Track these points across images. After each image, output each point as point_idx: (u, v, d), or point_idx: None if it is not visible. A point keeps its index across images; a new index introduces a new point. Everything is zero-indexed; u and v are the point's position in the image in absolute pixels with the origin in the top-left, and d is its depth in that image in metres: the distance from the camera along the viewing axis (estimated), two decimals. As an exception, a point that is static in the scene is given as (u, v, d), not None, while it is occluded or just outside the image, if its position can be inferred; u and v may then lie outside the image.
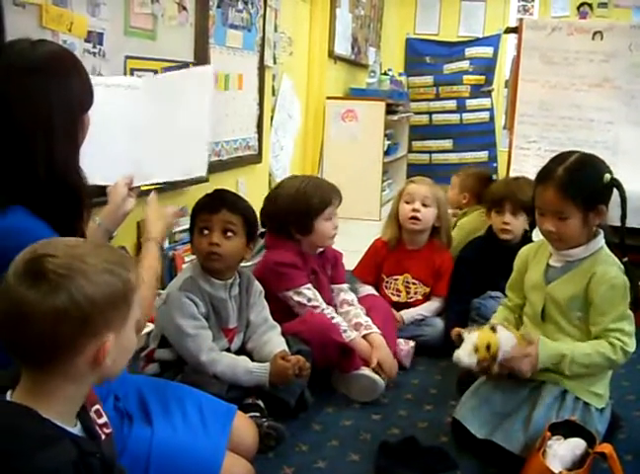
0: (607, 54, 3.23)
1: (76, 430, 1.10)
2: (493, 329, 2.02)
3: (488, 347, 1.98)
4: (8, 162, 1.43)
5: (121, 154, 1.98)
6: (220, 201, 2.18)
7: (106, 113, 1.76)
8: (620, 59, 3.22)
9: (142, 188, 2.03)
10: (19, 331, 1.03)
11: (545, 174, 2.03)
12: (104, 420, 1.20)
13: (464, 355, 2.00)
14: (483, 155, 7.38)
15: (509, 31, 4.00)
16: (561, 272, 2.09)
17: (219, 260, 2.15)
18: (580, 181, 1.98)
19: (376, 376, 2.44)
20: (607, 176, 1.99)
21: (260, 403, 2.11)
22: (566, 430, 1.89)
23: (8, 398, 1.07)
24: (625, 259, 2.06)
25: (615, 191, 2.02)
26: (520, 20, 3.57)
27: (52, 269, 1.03)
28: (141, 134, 2.06)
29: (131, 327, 1.14)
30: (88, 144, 1.60)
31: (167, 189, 2.47)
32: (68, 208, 1.48)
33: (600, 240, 2.07)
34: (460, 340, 2.07)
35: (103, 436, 1.17)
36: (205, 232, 2.16)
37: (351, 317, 2.64)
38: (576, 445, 1.83)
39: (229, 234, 2.15)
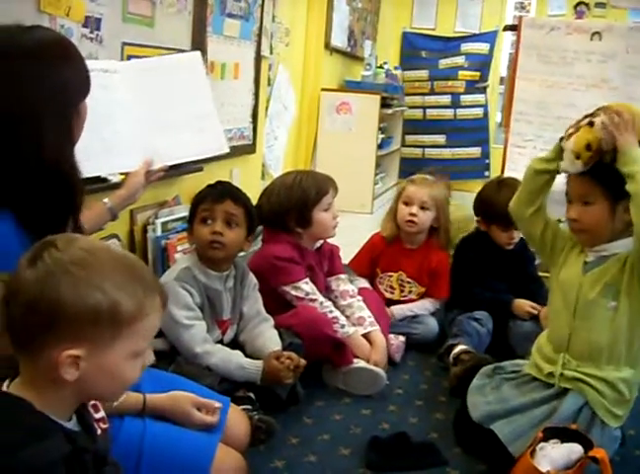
0: (605, 55, 3.23)
1: (71, 424, 1.09)
2: (591, 124, 1.92)
3: (588, 146, 1.91)
4: None
5: (130, 140, 1.97)
6: (224, 192, 2.20)
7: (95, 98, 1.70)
8: (618, 60, 3.22)
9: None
10: (10, 305, 1.03)
11: None
12: (101, 414, 1.19)
13: (567, 164, 1.96)
14: (476, 151, 7.37)
15: (507, 28, 4.01)
16: (596, 264, 2.06)
17: (221, 249, 2.17)
18: (610, 165, 1.93)
19: (378, 369, 2.46)
20: None
21: (251, 395, 2.12)
22: (564, 435, 1.88)
23: (4, 388, 1.06)
24: None
25: None
26: (520, 18, 3.57)
27: (48, 260, 1.02)
28: (145, 118, 2.05)
29: (124, 354, 1.07)
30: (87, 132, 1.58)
31: (161, 177, 2.48)
32: (61, 201, 1.43)
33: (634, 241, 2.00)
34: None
35: (99, 431, 1.16)
36: (209, 222, 2.17)
37: (354, 310, 2.65)
38: (572, 450, 1.83)
39: (232, 224, 2.18)
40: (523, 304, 2.87)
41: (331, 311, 2.53)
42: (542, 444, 1.87)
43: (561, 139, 2.02)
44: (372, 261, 3.12)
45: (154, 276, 1.14)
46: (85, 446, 1.07)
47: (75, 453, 1.04)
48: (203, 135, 2.25)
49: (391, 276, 3.09)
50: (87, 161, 1.57)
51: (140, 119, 1.99)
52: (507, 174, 3.30)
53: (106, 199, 1.95)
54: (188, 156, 2.24)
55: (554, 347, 2.11)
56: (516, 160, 3.26)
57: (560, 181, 2.11)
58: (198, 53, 2.51)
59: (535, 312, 2.83)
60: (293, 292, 2.52)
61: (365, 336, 2.58)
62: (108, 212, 1.95)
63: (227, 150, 2.32)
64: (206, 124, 2.27)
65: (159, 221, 2.92)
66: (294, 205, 2.57)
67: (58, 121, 1.43)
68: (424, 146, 7.49)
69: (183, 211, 3.07)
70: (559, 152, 2.05)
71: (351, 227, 4.00)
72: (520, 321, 2.86)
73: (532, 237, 2.21)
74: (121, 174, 2.15)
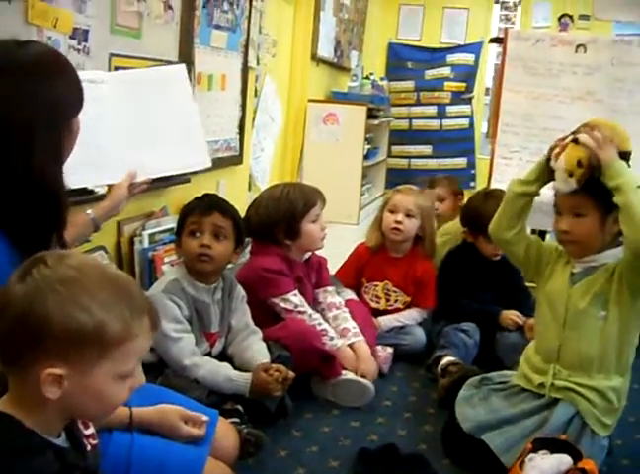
0: (590, 67, 3.26)
1: (60, 441, 1.08)
2: (575, 141, 1.94)
3: (579, 163, 1.92)
4: None
5: (114, 152, 1.96)
6: (212, 205, 2.21)
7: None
8: (603, 73, 3.25)
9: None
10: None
11: None
12: (91, 430, 1.18)
13: (561, 184, 1.97)
14: (462, 162, 7.41)
15: (493, 41, 4.04)
16: (583, 274, 2.07)
17: (210, 261, 2.17)
18: (599, 179, 1.95)
19: (366, 381, 2.46)
20: None
21: (239, 408, 2.11)
22: (553, 446, 1.89)
23: None
24: None
25: None
26: (505, 30, 3.60)
27: (37, 276, 1.02)
28: (129, 130, 2.05)
29: (110, 375, 1.05)
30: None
31: (148, 188, 2.49)
32: (45, 218, 1.42)
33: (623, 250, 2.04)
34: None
35: (89, 447, 1.15)
36: (197, 235, 2.17)
37: (339, 321, 2.66)
38: (561, 461, 1.83)
39: (220, 237, 2.18)
40: (509, 314, 2.89)
41: (320, 323, 2.53)
42: (532, 455, 1.87)
43: (548, 160, 2.03)
44: (358, 271, 3.12)
45: (145, 296, 1.12)
46: (74, 463, 1.06)
47: (64, 470, 1.03)
48: (187, 149, 2.24)
49: (377, 286, 3.09)
50: (73, 173, 1.57)
51: (125, 131, 1.99)
52: (493, 185, 3.32)
53: (89, 211, 1.95)
54: (171, 170, 2.24)
55: (544, 358, 2.12)
56: (502, 171, 3.28)
57: (547, 192, 2.12)
58: (183, 66, 2.51)
59: (521, 322, 2.84)
60: (282, 304, 2.52)
61: (350, 346, 2.58)
62: (91, 224, 1.95)
63: (210, 165, 2.32)
64: (191, 138, 2.27)
65: (146, 233, 2.91)
66: (282, 217, 2.57)
67: (49, 137, 1.43)
68: (410, 157, 7.52)
69: (170, 223, 3.06)
70: (539, 173, 2.08)
71: (337, 238, 4.00)
72: (507, 332, 2.87)
73: (516, 256, 2.22)
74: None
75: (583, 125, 2.01)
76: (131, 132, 2.05)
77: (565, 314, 2.07)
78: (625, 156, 1.97)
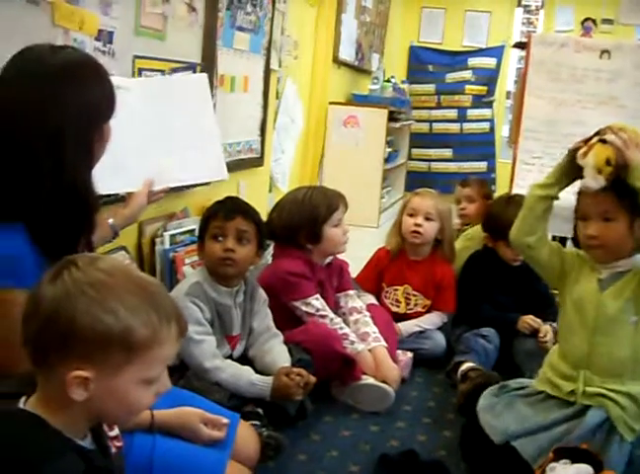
0: (614, 73, 3.23)
1: (86, 442, 1.09)
2: (603, 141, 1.94)
3: (608, 161, 1.92)
4: (15, 171, 1.39)
5: (134, 159, 1.98)
6: (235, 209, 2.21)
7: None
8: (626, 78, 3.23)
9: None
10: (28, 321, 1.04)
11: None
12: (115, 432, 1.19)
13: (590, 181, 1.95)
14: (482, 165, 7.39)
15: (517, 45, 4.02)
16: (612, 280, 2.05)
17: (233, 265, 2.18)
18: (626, 181, 1.94)
19: (387, 387, 2.46)
20: None
21: (260, 411, 2.11)
22: (574, 455, 1.87)
23: (21, 405, 1.06)
24: None
25: None
26: (529, 35, 3.58)
27: (67, 279, 1.03)
28: (150, 138, 2.07)
29: (135, 380, 1.06)
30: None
31: (169, 189, 2.52)
32: (74, 222, 1.45)
33: None
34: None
35: (114, 450, 1.16)
36: (220, 239, 2.18)
37: (359, 325, 2.65)
38: (582, 471, 1.82)
39: (243, 241, 2.18)
40: (526, 318, 2.87)
41: (341, 328, 2.53)
42: (552, 465, 1.86)
43: (571, 160, 2.02)
44: (378, 275, 3.13)
45: (174, 303, 1.13)
46: (100, 465, 1.06)
47: (90, 472, 1.04)
48: (205, 160, 2.27)
49: (397, 290, 3.09)
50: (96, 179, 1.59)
51: (146, 139, 2.01)
52: (515, 191, 3.30)
53: (110, 220, 1.98)
54: (189, 180, 2.27)
55: (572, 364, 2.09)
56: (524, 177, 3.26)
57: (567, 197, 2.11)
58: (204, 75, 2.53)
59: (536, 325, 2.83)
60: (304, 308, 2.52)
61: (370, 351, 2.58)
62: (110, 230, 1.98)
63: (226, 177, 2.34)
64: (209, 149, 2.29)
65: (167, 234, 2.93)
66: (305, 221, 2.57)
67: (80, 142, 1.45)
68: (430, 160, 7.51)
69: (191, 224, 3.08)
70: (559, 176, 2.07)
71: (357, 241, 3.99)
72: (524, 338, 2.85)
73: (538, 262, 2.20)
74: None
75: (607, 127, 2.00)
76: (152, 140, 2.07)
77: (595, 320, 2.05)
78: None
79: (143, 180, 2.07)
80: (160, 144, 2.12)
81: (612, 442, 1.98)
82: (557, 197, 2.11)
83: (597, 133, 2.00)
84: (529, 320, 2.85)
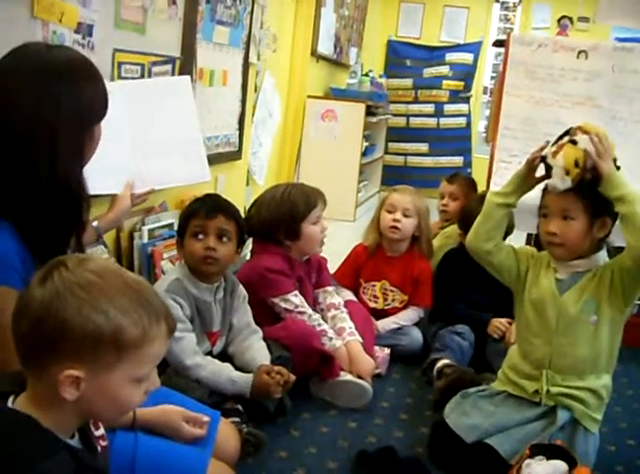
0: (591, 73, 3.26)
1: (74, 441, 1.09)
2: (574, 142, 1.98)
3: (576, 163, 1.95)
4: (9, 168, 1.40)
5: (117, 161, 1.98)
6: (216, 208, 2.21)
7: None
8: (603, 79, 3.25)
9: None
10: (18, 321, 1.04)
11: None
12: (101, 432, 1.19)
13: (557, 181, 1.99)
14: (458, 160, 7.44)
15: (496, 44, 4.04)
16: (571, 281, 2.09)
17: (214, 264, 2.18)
18: (593, 183, 1.99)
19: (364, 383, 2.48)
20: None
21: (239, 408, 2.12)
22: (549, 452, 1.91)
23: (10, 404, 1.06)
24: None
25: None
26: (508, 34, 3.59)
27: (57, 280, 1.03)
28: (132, 140, 2.06)
29: (126, 378, 1.07)
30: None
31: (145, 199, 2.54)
32: (67, 221, 1.46)
33: (604, 254, 2.09)
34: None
35: (99, 449, 1.16)
36: (200, 237, 2.18)
37: (336, 321, 2.67)
38: (557, 467, 1.86)
39: (224, 239, 2.18)
40: (496, 322, 2.89)
41: (319, 324, 2.55)
42: (528, 461, 1.89)
43: (543, 161, 2.05)
44: (355, 271, 3.15)
45: (162, 302, 1.14)
46: (89, 464, 1.07)
47: (79, 471, 1.04)
48: (187, 162, 2.28)
49: (375, 286, 3.11)
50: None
51: (129, 141, 2.01)
52: (492, 189, 3.33)
53: (95, 222, 1.99)
54: (172, 182, 2.28)
55: (533, 364, 2.13)
56: (502, 175, 3.28)
57: (539, 194, 2.14)
58: (187, 78, 2.53)
59: (504, 329, 2.85)
60: (283, 304, 2.53)
61: (344, 346, 2.59)
62: (94, 232, 1.99)
63: (209, 179, 2.36)
64: (191, 151, 2.31)
65: (145, 228, 2.91)
66: (283, 218, 2.58)
67: (73, 140, 1.46)
68: (406, 154, 7.54)
69: (169, 218, 3.07)
70: (517, 185, 2.11)
71: (334, 235, 4.00)
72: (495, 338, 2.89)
73: (496, 267, 2.22)
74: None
75: (577, 127, 2.03)
76: (135, 143, 2.07)
77: (556, 322, 2.09)
78: (614, 163, 2.00)
79: (125, 182, 2.07)
80: (143, 147, 2.13)
81: (578, 435, 2.05)
82: (514, 206, 2.16)
83: (566, 132, 2.04)
84: (498, 324, 2.87)
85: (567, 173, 1.97)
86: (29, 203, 1.40)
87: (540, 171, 2.07)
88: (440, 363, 2.67)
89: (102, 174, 1.76)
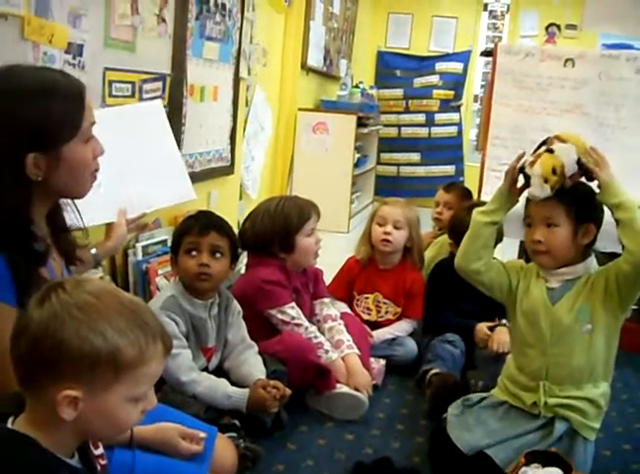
0: (578, 81, 3.30)
1: (74, 461, 1.11)
2: (550, 151, 2.00)
3: (554, 170, 1.97)
4: None
5: (108, 190, 1.98)
6: (209, 224, 2.23)
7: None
8: (590, 87, 3.29)
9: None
10: (17, 342, 1.06)
11: None
12: (100, 451, 1.21)
13: (536, 190, 2.00)
14: (450, 169, 7.46)
15: (484, 54, 4.08)
16: (563, 290, 2.10)
17: (208, 280, 2.19)
18: (574, 190, 2.03)
19: (360, 394, 2.49)
20: None
21: (236, 423, 2.12)
22: (545, 459, 1.92)
23: (9, 425, 1.07)
24: None
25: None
26: (495, 44, 3.63)
27: (55, 301, 1.05)
28: (118, 168, 2.08)
29: (123, 398, 1.09)
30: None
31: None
32: (20, 252, 1.38)
33: (593, 260, 2.11)
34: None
35: (99, 468, 1.17)
36: (194, 253, 2.20)
37: (334, 333, 2.68)
38: (552, 474, 1.88)
39: (217, 255, 2.20)
40: (479, 332, 2.89)
41: (316, 336, 2.56)
42: (524, 469, 1.90)
43: (522, 171, 2.06)
44: (349, 284, 3.17)
45: (159, 322, 1.16)
46: None
47: None
48: (171, 183, 2.33)
49: (368, 298, 3.13)
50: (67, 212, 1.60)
51: (111, 170, 2.01)
52: (483, 197, 3.35)
53: (93, 250, 2.01)
54: (158, 204, 2.31)
55: (530, 376, 2.14)
56: (492, 183, 3.31)
57: (522, 200, 2.16)
58: (158, 101, 2.57)
59: (486, 338, 2.86)
60: (279, 316, 2.54)
61: (342, 359, 2.60)
62: (93, 261, 2.02)
63: (194, 197, 2.40)
64: (173, 172, 2.35)
65: (140, 245, 2.93)
66: (277, 231, 2.60)
67: (12, 164, 1.39)
68: (399, 164, 7.57)
69: (163, 234, 3.08)
70: (501, 202, 2.12)
71: (327, 247, 4.01)
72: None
73: (487, 285, 2.22)
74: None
75: (554, 136, 2.06)
76: (119, 170, 2.09)
77: (550, 332, 2.10)
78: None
79: (117, 210, 2.11)
80: (126, 174, 2.16)
81: (577, 445, 2.05)
82: (500, 222, 2.17)
83: (544, 142, 2.07)
84: (482, 333, 2.88)
85: (545, 181, 1.99)
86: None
87: (521, 182, 2.09)
88: (429, 373, 2.68)
89: (95, 204, 1.76)
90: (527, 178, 2.04)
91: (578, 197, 2.03)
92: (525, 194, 2.11)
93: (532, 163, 2.02)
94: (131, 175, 2.17)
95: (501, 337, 2.79)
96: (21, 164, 1.39)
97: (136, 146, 2.23)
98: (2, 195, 1.38)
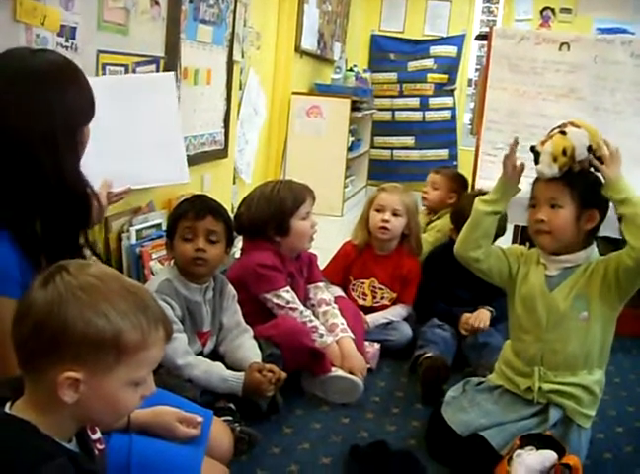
0: (573, 66, 3.29)
1: (72, 445, 1.11)
2: (563, 133, 2.03)
3: (564, 151, 2.00)
4: (10, 177, 1.41)
5: (94, 159, 1.97)
6: (205, 209, 2.22)
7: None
8: (585, 71, 3.29)
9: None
10: (19, 324, 1.06)
11: None
12: (97, 436, 1.21)
13: (545, 167, 2.03)
14: (444, 153, 7.45)
15: (479, 38, 4.06)
16: (561, 278, 2.11)
17: (204, 265, 2.19)
18: (582, 175, 2.04)
19: (355, 378, 2.50)
20: None
21: (232, 406, 2.13)
22: (539, 442, 1.94)
23: (7, 410, 1.07)
24: None
25: None
26: (490, 28, 3.62)
27: (59, 283, 1.05)
28: (111, 138, 2.06)
29: (124, 381, 1.09)
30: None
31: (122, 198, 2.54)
32: (77, 218, 1.49)
33: (594, 250, 2.12)
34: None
35: (96, 452, 1.18)
36: (190, 238, 2.19)
37: (328, 317, 2.69)
38: (547, 457, 1.89)
39: (213, 240, 2.20)
40: (465, 320, 2.90)
41: (311, 320, 2.56)
42: (518, 451, 1.92)
43: (532, 149, 2.08)
44: (345, 269, 3.16)
45: (160, 307, 1.16)
46: (87, 469, 1.09)
47: None
48: (167, 162, 2.28)
49: (364, 284, 3.13)
50: None
51: (108, 139, 2.00)
52: (478, 182, 3.36)
53: None
54: (150, 182, 2.28)
55: (525, 361, 2.15)
56: (487, 168, 3.31)
57: (524, 186, 2.17)
58: (171, 74, 2.51)
59: (468, 327, 2.88)
60: (274, 300, 2.54)
61: (336, 342, 2.61)
62: None
63: (187, 180, 2.35)
64: (171, 151, 2.30)
65: (133, 229, 2.91)
66: (272, 215, 2.60)
67: (70, 142, 1.48)
68: (392, 148, 7.55)
69: (157, 218, 3.07)
70: (502, 191, 2.14)
71: (321, 231, 4.00)
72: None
73: (486, 272, 2.24)
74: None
75: (568, 122, 2.07)
76: (114, 140, 2.06)
77: (547, 319, 2.11)
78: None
79: (102, 180, 2.07)
80: (122, 144, 2.12)
81: (571, 432, 2.07)
82: (503, 212, 2.20)
83: (559, 127, 2.08)
84: (465, 324, 2.89)
85: (555, 160, 2.01)
86: (36, 209, 1.42)
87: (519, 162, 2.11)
88: (421, 358, 2.69)
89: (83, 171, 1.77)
90: (537, 155, 2.06)
91: (584, 183, 2.04)
92: (530, 180, 2.12)
93: (544, 142, 2.05)
94: (125, 146, 2.13)
95: (480, 315, 2.87)
96: (77, 141, 1.52)
97: (137, 118, 2.19)
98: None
